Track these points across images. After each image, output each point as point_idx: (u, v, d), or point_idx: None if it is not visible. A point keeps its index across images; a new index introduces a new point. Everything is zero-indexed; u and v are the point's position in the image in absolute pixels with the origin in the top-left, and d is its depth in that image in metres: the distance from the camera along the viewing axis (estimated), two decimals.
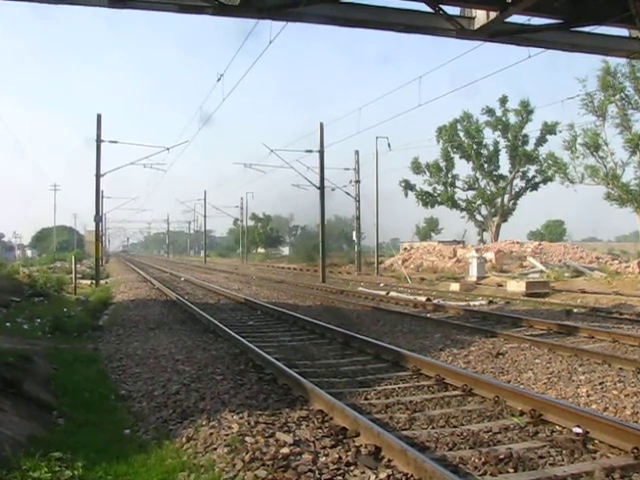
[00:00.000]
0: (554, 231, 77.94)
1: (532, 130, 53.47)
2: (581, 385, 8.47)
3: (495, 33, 11.93)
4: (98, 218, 34.09)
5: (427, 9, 11.01)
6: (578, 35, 12.21)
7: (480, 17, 11.43)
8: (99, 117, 32.25)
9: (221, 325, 13.86)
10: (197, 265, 66.29)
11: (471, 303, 20.77)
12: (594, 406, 7.41)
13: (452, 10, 11.44)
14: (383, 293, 24.44)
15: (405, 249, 51.61)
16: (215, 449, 5.78)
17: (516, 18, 11.69)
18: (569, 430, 6.20)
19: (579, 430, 6.06)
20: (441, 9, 10.87)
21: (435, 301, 20.88)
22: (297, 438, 6.02)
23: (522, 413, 6.87)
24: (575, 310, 17.76)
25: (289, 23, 12.28)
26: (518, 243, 44.27)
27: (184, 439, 6.15)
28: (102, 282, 31.99)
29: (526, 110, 53.23)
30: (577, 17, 11.20)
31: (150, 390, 8.27)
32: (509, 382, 8.76)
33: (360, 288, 27.70)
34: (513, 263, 36.73)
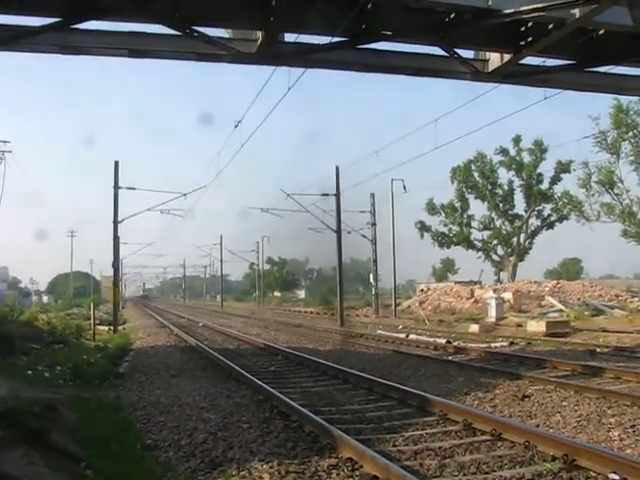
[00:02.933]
0: (571, 269, 77.51)
1: (546, 169, 53.50)
2: (612, 428, 8.32)
3: (510, 75, 12.12)
4: (116, 264, 34.32)
5: (441, 52, 11.24)
6: (592, 75, 12.39)
7: (494, 59, 11.64)
8: (116, 164, 32.71)
9: (243, 371, 13.80)
10: (214, 310, 66.27)
11: (492, 345, 20.56)
12: (628, 451, 7.24)
13: (466, 53, 11.67)
14: (402, 336, 24.29)
15: (422, 290, 51.32)
16: None
17: (530, 60, 11.89)
18: (605, 476, 6.07)
19: (616, 477, 5.92)
20: (456, 52, 11.07)
21: (455, 343, 20.68)
22: None
23: (554, 458, 6.73)
24: (598, 350, 17.54)
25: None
26: (536, 282, 43.91)
27: None
28: (120, 328, 32.02)
29: (540, 149, 53.28)
30: (591, 58, 11.36)
31: (176, 439, 8.19)
32: (538, 426, 8.62)
33: (379, 331, 27.51)
34: (531, 303, 36.33)
